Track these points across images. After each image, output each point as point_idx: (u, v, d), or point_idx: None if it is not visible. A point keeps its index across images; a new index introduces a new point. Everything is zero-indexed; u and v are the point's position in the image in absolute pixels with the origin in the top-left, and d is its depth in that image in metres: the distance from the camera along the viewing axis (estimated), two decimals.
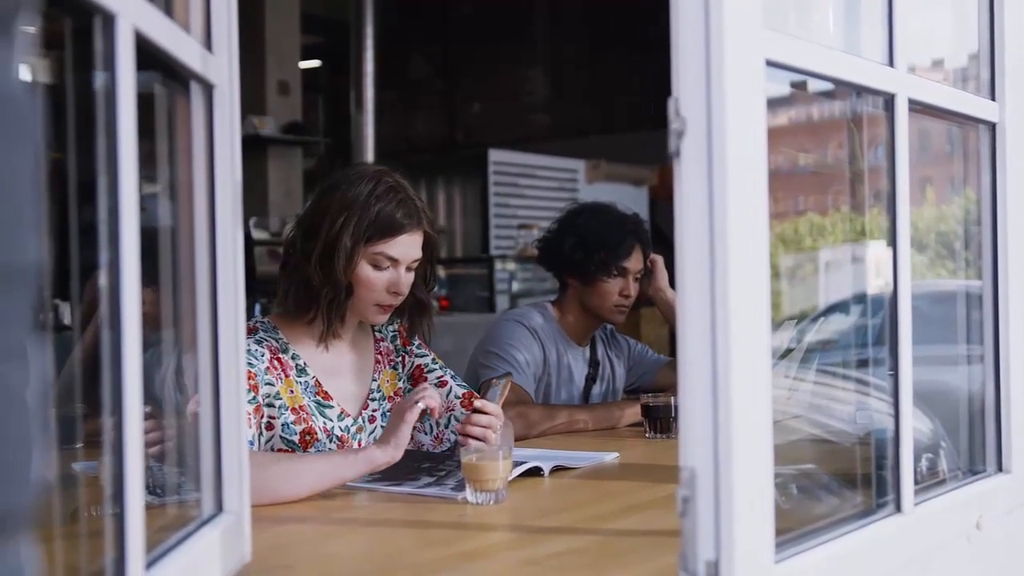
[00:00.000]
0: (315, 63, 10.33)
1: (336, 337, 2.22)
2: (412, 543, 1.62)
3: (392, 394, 2.31)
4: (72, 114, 1.04)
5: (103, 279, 0.97)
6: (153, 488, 1.35)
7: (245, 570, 1.37)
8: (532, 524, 1.74)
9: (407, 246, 2.15)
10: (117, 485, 0.98)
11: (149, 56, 1.08)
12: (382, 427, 2.25)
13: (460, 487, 1.87)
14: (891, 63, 1.47)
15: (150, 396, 1.06)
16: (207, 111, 1.32)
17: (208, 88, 1.30)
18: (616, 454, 2.32)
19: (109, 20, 0.96)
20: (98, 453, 1.27)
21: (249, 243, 6.05)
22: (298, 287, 2.15)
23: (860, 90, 1.50)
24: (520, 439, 2.62)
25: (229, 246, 1.34)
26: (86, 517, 1.25)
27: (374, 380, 2.29)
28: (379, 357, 2.32)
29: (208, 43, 1.31)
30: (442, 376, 2.33)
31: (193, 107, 1.30)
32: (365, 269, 2.13)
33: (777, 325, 1.29)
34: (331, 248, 2.10)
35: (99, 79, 0.98)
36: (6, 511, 0.51)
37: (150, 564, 1.05)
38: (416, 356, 2.36)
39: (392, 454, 1.90)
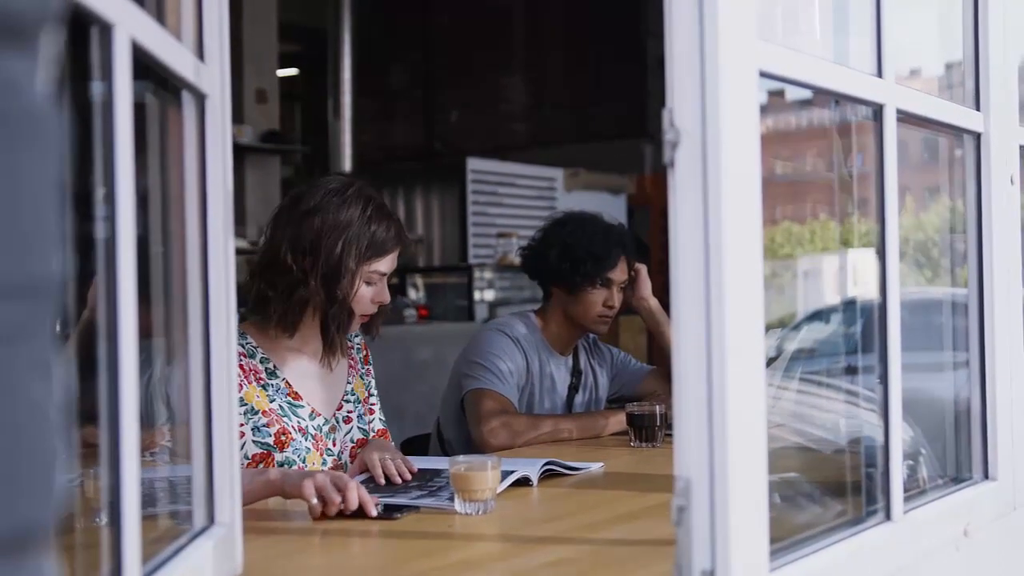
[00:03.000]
0: (292, 71, 10.31)
1: (343, 355, 2.31)
2: (403, 554, 1.61)
3: (363, 399, 2.39)
4: (66, 123, 1.03)
5: (100, 289, 0.96)
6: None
7: None
8: (522, 534, 1.74)
9: (393, 260, 2.27)
10: (114, 497, 0.97)
11: (143, 65, 1.07)
12: (358, 428, 2.34)
13: (453, 498, 1.87)
14: (879, 74, 1.48)
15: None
16: (199, 120, 1.31)
17: (200, 98, 1.30)
18: (601, 464, 2.32)
19: (106, 30, 0.96)
20: (85, 464, 1.27)
21: None
22: (295, 307, 2.19)
23: (850, 100, 1.51)
24: (505, 449, 2.63)
25: (221, 255, 1.33)
26: (78, 529, 1.24)
27: (348, 383, 2.36)
28: (351, 363, 2.39)
29: (200, 52, 1.30)
30: (374, 405, 2.44)
31: (185, 116, 1.30)
32: (361, 287, 2.22)
33: None
34: (336, 272, 2.17)
35: (95, 88, 0.98)
36: (32, 525, 0.51)
37: None
38: (371, 376, 2.45)
39: (284, 483, 1.86)
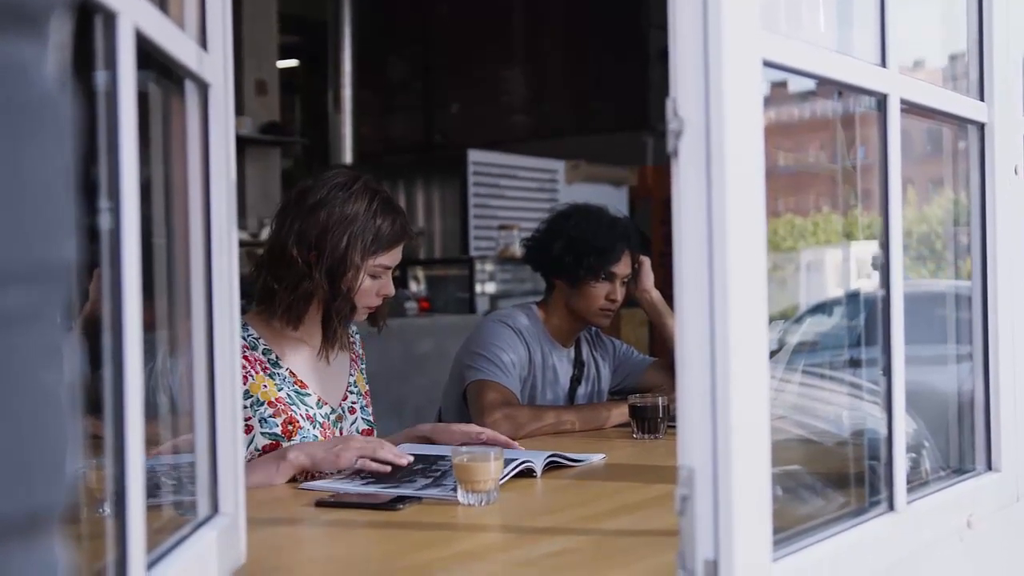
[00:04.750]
0: (292, 62, 10.30)
1: (344, 348, 2.33)
2: (406, 545, 1.61)
3: (364, 392, 2.42)
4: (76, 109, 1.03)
5: (105, 281, 0.96)
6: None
7: (240, 572, 1.36)
8: (525, 525, 1.74)
9: (398, 253, 2.27)
10: (118, 487, 0.97)
11: (145, 54, 1.07)
12: (362, 419, 2.36)
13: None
14: (883, 63, 1.48)
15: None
16: (202, 110, 1.31)
17: (203, 87, 1.30)
18: (603, 455, 2.32)
19: (110, 19, 0.95)
20: (87, 455, 1.26)
21: None
22: (300, 299, 2.20)
23: (854, 90, 1.51)
24: None
25: (224, 246, 1.33)
26: (81, 519, 1.24)
27: (351, 375, 2.38)
28: (353, 356, 2.41)
29: (203, 41, 1.30)
30: (368, 402, 2.45)
31: (188, 106, 1.29)
32: (366, 280, 2.22)
33: None
34: (341, 265, 2.18)
35: (99, 77, 0.97)
36: (42, 510, 0.51)
37: (150, 565, 1.04)
38: (365, 374, 2.47)
39: (303, 460, 2.02)
